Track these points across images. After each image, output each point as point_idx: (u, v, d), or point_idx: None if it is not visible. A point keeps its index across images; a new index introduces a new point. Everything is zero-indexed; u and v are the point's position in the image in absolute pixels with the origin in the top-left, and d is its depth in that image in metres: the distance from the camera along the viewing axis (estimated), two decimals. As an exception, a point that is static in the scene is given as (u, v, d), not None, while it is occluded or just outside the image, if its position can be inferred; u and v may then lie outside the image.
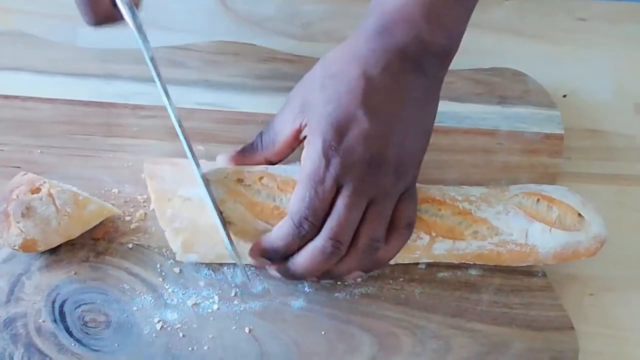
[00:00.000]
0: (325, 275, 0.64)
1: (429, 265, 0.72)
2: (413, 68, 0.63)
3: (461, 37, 0.65)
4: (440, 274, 0.72)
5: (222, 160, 0.69)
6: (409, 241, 0.66)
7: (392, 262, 0.68)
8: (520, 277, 0.71)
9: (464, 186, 0.71)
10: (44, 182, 0.69)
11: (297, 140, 0.65)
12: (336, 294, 0.70)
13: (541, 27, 0.89)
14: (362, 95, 0.61)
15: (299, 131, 0.64)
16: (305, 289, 0.70)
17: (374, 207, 0.62)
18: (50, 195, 0.68)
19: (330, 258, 0.62)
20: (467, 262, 0.71)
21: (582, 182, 0.78)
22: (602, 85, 0.85)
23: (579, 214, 0.69)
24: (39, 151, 0.76)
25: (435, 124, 0.68)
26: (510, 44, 0.87)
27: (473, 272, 0.72)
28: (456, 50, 0.65)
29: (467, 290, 0.71)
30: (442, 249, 0.68)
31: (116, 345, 0.67)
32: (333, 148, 0.61)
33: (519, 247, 0.68)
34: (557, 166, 0.78)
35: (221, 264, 0.71)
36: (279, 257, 0.64)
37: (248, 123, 0.79)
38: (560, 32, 0.89)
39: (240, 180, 0.66)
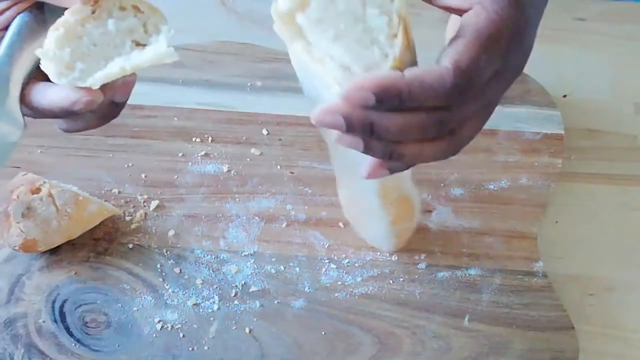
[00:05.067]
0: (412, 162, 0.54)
1: (429, 265, 0.72)
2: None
3: None
4: (440, 274, 0.72)
5: None
6: None
7: (393, 259, 0.68)
8: (520, 277, 0.71)
9: None
10: (45, 182, 0.69)
11: None
12: (336, 294, 0.70)
13: (541, 27, 0.89)
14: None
15: None
16: (306, 289, 0.70)
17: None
18: (50, 195, 0.68)
19: (442, 139, 0.53)
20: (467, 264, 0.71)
21: (582, 182, 0.78)
22: (602, 85, 0.85)
23: None
24: (39, 151, 0.76)
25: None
26: (510, 44, 0.87)
27: (473, 272, 0.72)
28: None
29: (467, 290, 0.71)
30: None
31: (116, 345, 0.67)
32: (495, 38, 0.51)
33: None
34: (557, 166, 0.78)
35: (221, 265, 0.71)
36: (414, 104, 0.49)
37: (248, 123, 0.79)
38: (560, 32, 0.89)
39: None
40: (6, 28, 0.55)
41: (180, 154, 0.77)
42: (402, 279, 0.71)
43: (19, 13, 0.55)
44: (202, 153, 0.77)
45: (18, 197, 0.68)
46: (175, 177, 0.76)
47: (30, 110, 0.56)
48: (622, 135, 0.82)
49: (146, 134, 0.78)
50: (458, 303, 0.70)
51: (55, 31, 0.52)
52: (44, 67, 0.53)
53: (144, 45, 0.54)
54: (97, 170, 0.75)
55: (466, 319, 0.69)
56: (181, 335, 0.68)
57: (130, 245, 0.72)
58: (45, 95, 0.54)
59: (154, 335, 0.67)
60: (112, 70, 0.53)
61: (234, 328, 0.68)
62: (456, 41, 0.51)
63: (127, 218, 0.73)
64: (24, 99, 0.55)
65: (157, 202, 0.74)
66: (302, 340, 0.68)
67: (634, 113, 0.83)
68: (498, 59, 0.52)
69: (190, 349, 0.67)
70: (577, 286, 0.72)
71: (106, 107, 0.56)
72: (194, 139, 0.78)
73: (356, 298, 0.70)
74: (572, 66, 0.86)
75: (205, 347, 0.67)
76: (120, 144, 0.77)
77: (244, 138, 0.78)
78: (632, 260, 0.74)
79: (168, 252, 0.72)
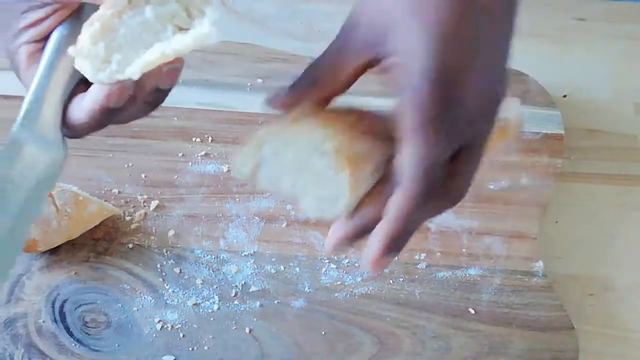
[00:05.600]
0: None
1: (429, 265, 0.72)
2: (509, 5, 0.51)
3: None
4: (440, 274, 0.72)
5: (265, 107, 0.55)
6: None
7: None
8: (520, 277, 0.71)
9: None
10: (44, 182, 0.69)
11: (363, 72, 0.51)
12: (336, 294, 0.70)
13: (541, 27, 0.89)
14: (464, 25, 0.47)
15: (373, 61, 0.50)
16: (306, 289, 0.70)
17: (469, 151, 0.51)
18: (50, 195, 0.68)
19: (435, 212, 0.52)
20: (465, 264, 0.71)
21: (582, 182, 0.78)
22: (602, 85, 0.85)
23: None
24: (39, 151, 0.76)
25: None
26: (510, 44, 0.87)
27: (473, 272, 0.72)
28: None
29: (467, 290, 0.71)
30: None
31: (116, 345, 0.67)
32: (446, 93, 0.47)
33: None
34: (557, 166, 0.78)
35: (221, 265, 0.71)
36: (408, 240, 0.50)
37: (248, 123, 0.79)
38: (560, 32, 0.89)
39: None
40: (45, 38, 0.52)
41: (180, 154, 0.77)
42: (402, 279, 0.71)
43: (58, 22, 0.52)
44: (202, 153, 0.77)
45: (18, 197, 0.68)
46: (175, 177, 0.76)
47: (73, 130, 0.53)
48: (622, 135, 0.82)
49: (146, 134, 0.78)
50: (458, 303, 0.70)
51: (90, 26, 0.49)
52: (78, 65, 0.49)
53: (188, 29, 0.50)
54: (97, 170, 0.75)
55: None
56: (181, 335, 0.68)
57: (130, 245, 0.72)
58: (82, 106, 0.52)
59: (154, 335, 0.67)
60: (152, 56, 0.49)
61: (233, 328, 0.68)
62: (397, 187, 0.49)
63: (127, 218, 0.73)
64: (64, 121, 0.53)
65: (157, 202, 0.74)
66: (302, 340, 0.68)
67: (634, 113, 0.83)
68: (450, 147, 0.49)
69: (190, 349, 0.67)
70: (577, 286, 0.72)
71: (150, 95, 0.53)
72: (194, 139, 0.78)
73: (356, 298, 0.70)
74: (572, 66, 0.86)
75: (205, 347, 0.67)
76: (120, 144, 0.77)
77: (244, 138, 0.78)
78: (632, 260, 0.74)
79: (168, 252, 0.72)
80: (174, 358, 0.66)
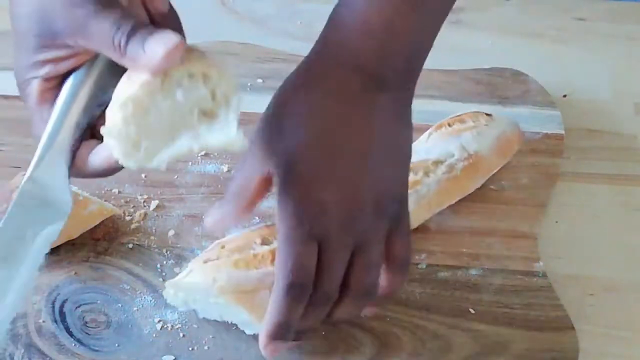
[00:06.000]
0: (330, 321, 0.61)
1: (429, 265, 0.72)
2: (377, 85, 0.56)
3: (427, 50, 0.59)
4: (441, 274, 0.72)
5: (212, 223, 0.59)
6: None
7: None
8: (520, 277, 0.71)
9: None
10: (44, 182, 0.69)
11: (267, 190, 0.58)
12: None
13: (541, 27, 0.89)
14: (322, 131, 0.55)
15: (267, 180, 0.57)
16: (306, 289, 0.70)
17: (360, 256, 0.57)
18: (50, 195, 0.68)
19: (322, 309, 0.58)
20: (465, 263, 0.71)
21: (582, 182, 0.78)
22: (602, 85, 0.85)
23: (486, 114, 0.75)
24: (39, 151, 0.76)
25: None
26: (510, 44, 0.88)
27: (473, 272, 0.72)
28: (421, 65, 0.59)
29: (467, 290, 0.71)
30: (411, 203, 0.67)
31: (116, 345, 0.67)
32: (303, 202, 0.55)
33: (467, 161, 0.72)
34: (557, 166, 0.78)
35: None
36: (291, 331, 0.57)
37: (248, 123, 0.79)
38: (560, 32, 0.89)
39: (205, 261, 0.64)
40: (58, 77, 0.53)
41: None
42: (402, 279, 0.71)
43: (75, 65, 0.53)
44: (202, 153, 0.77)
45: (18, 197, 0.68)
46: (175, 177, 0.76)
47: (82, 174, 0.55)
48: (622, 135, 0.82)
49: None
50: (458, 303, 0.70)
51: (124, 107, 0.50)
52: (108, 144, 0.50)
53: (212, 113, 0.52)
54: (97, 170, 0.75)
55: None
56: (181, 335, 0.68)
57: (130, 245, 0.72)
58: (100, 156, 0.54)
59: (154, 335, 0.67)
60: (179, 151, 0.51)
61: (234, 328, 0.68)
62: None
63: (127, 218, 0.73)
64: (74, 164, 0.54)
65: (157, 202, 0.74)
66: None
67: (634, 113, 0.83)
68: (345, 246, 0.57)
69: (190, 349, 0.67)
70: (577, 286, 0.72)
71: None
72: (194, 139, 0.78)
73: (356, 298, 0.70)
74: (572, 66, 0.86)
75: (205, 347, 0.67)
76: (120, 144, 0.77)
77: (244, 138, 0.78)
78: (632, 260, 0.74)
79: (168, 252, 0.72)
80: (174, 358, 0.66)
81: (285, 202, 0.55)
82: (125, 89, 0.50)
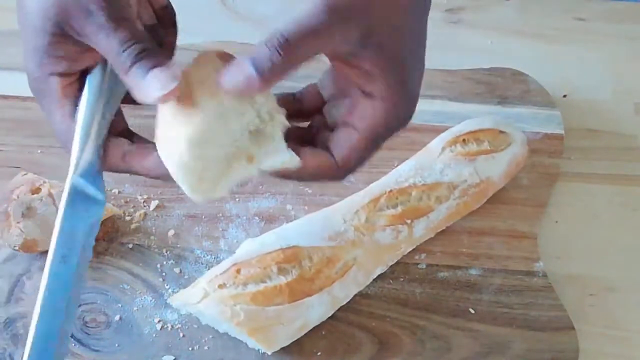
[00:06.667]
0: None
1: (429, 265, 0.72)
2: None
3: None
4: (441, 274, 0.72)
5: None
6: (392, 240, 0.68)
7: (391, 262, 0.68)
8: (520, 277, 0.71)
9: (389, 171, 0.73)
10: (45, 182, 0.69)
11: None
12: (336, 294, 0.70)
13: (541, 27, 0.89)
14: (416, 41, 0.55)
15: (352, 61, 0.53)
16: (306, 289, 0.70)
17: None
18: (50, 195, 0.68)
19: None
20: (466, 264, 0.71)
21: (582, 182, 0.78)
22: (602, 85, 0.85)
23: (500, 132, 0.74)
24: (39, 151, 0.76)
25: (435, 124, 0.67)
26: (510, 44, 0.88)
27: (473, 272, 0.72)
28: None
29: (467, 290, 0.71)
30: (420, 229, 0.70)
31: (116, 345, 0.67)
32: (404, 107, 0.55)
33: (477, 187, 0.72)
34: (557, 166, 0.78)
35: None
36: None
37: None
38: (560, 32, 0.89)
39: (221, 286, 0.64)
40: (77, 74, 0.54)
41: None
42: (402, 279, 0.71)
43: (93, 60, 0.54)
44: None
45: (18, 197, 0.68)
46: (175, 177, 0.76)
47: (115, 171, 0.57)
48: (622, 135, 0.82)
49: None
50: (458, 303, 0.70)
51: (192, 146, 0.50)
52: (176, 177, 0.51)
53: (260, 131, 0.53)
54: (97, 170, 0.75)
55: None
56: (181, 335, 0.68)
57: (130, 245, 0.72)
58: (143, 164, 0.55)
59: (154, 335, 0.67)
60: (239, 177, 0.53)
61: (234, 328, 0.68)
62: (349, 133, 0.55)
63: (127, 218, 0.73)
64: (107, 160, 0.56)
65: (157, 202, 0.74)
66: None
67: (634, 113, 0.83)
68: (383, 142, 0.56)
69: (190, 349, 0.67)
70: (577, 286, 0.72)
71: None
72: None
73: (356, 298, 0.70)
74: (572, 66, 0.86)
75: (205, 347, 0.67)
76: (120, 144, 0.77)
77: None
78: (632, 260, 0.74)
79: (168, 252, 0.72)
80: (174, 358, 0.66)
81: (392, 96, 0.54)
82: (183, 125, 0.51)
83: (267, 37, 0.50)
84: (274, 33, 0.50)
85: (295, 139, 0.56)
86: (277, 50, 0.50)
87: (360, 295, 0.70)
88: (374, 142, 0.55)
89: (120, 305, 0.69)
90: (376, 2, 0.52)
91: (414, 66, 0.55)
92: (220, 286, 0.64)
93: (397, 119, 0.55)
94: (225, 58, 0.53)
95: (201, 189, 0.52)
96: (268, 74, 0.50)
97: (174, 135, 0.51)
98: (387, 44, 0.53)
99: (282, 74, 0.50)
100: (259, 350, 0.66)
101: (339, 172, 0.56)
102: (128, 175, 0.74)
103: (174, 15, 0.59)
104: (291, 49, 0.50)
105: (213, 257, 0.72)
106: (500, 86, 0.82)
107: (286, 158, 0.54)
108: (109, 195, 0.74)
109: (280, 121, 0.54)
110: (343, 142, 0.55)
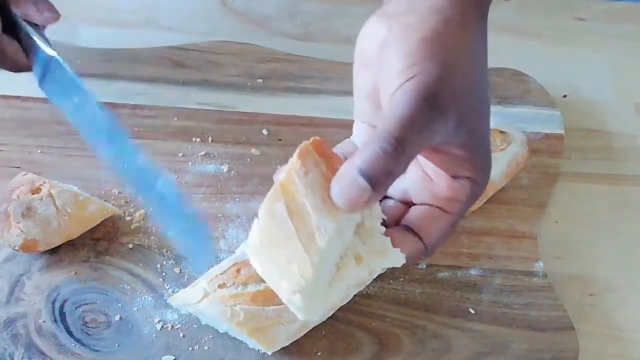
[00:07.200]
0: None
1: (429, 265, 0.72)
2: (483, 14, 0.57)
3: None
4: (441, 274, 0.72)
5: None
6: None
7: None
8: (520, 277, 0.71)
9: None
10: (45, 182, 0.69)
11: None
12: (336, 294, 0.70)
13: (541, 27, 0.89)
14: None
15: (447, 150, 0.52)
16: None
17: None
18: (50, 195, 0.68)
19: None
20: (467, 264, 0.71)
21: (582, 182, 0.78)
22: (602, 85, 0.85)
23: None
24: (39, 151, 0.76)
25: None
26: (511, 44, 0.88)
27: (473, 272, 0.72)
28: None
29: (467, 290, 0.71)
30: None
31: (116, 345, 0.67)
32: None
33: None
34: (557, 166, 0.78)
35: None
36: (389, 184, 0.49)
37: (248, 123, 0.79)
38: (560, 32, 0.89)
39: (221, 286, 0.64)
40: None
41: (180, 154, 0.77)
42: (402, 279, 0.71)
43: None
44: (202, 153, 0.77)
45: (18, 197, 0.68)
46: (176, 177, 0.76)
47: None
48: (622, 135, 0.82)
49: (146, 134, 0.78)
50: (458, 303, 0.70)
51: (319, 269, 0.48)
52: (288, 301, 0.49)
53: (359, 223, 0.51)
54: (97, 170, 0.75)
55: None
56: (181, 335, 0.68)
57: (130, 245, 0.72)
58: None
59: (154, 335, 0.67)
60: (351, 281, 0.51)
61: (234, 328, 0.68)
62: (435, 216, 0.54)
63: (127, 218, 0.73)
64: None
65: (157, 202, 0.74)
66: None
67: (634, 113, 0.83)
68: None
69: (190, 349, 0.67)
70: (577, 286, 0.72)
71: None
72: (194, 139, 0.78)
73: (356, 298, 0.70)
74: (572, 66, 0.86)
75: (205, 347, 0.67)
76: (120, 144, 0.77)
77: (244, 138, 0.78)
78: (632, 260, 0.74)
79: (168, 252, 0.72)
80: (174, 358, 0.66)
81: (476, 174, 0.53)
82: (299, 247, 0.48)
83: (374, 137, 0.46)
84: (383, 134, 0.46)
85: None
86: (391, 155, 0.46)
87: (360, 295, 0.70)
88: (460, 218, 0.54)
89: (120, 305, 0.69)
90: (464, 85, 0.50)
91: (489, 131, 0.54)
92: (220, 286, 0.64)
93: (481, 190, 0.54)
94: (323, 152, 0.50)
95: (317, 309, 0.49)
96: (384, 183, 0.46)
97: (286, 256, 0.47)
98: (477, 126, 0.51)
99: (393, 180, 0.47)
100: (259, 350, 0.66)
101: (427, 254, 0.54)
102: (128, 175, 0.75)
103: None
104: (404, 151, 0.46)
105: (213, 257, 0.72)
106: (500, 86, 0.82)
107: (396, 258, 0.51)
108: (109, 195, 0.74)
109: (377, 213, 0.51)
110: (433, 227, 0.53)
